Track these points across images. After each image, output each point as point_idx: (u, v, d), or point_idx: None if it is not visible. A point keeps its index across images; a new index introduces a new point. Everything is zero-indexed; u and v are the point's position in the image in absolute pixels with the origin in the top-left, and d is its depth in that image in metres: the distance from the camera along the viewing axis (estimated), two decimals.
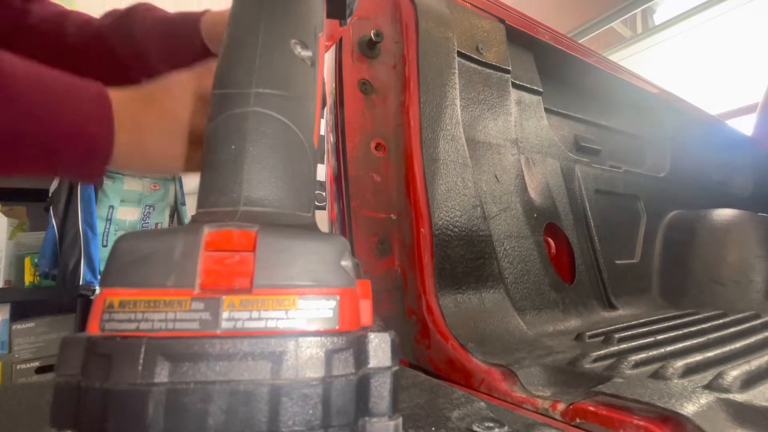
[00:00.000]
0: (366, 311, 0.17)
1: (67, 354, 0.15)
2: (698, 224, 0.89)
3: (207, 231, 0.15)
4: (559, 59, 0.82)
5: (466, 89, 0.63)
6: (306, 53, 0.21)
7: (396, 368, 0.16)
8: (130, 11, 0.49)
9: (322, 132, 0.60)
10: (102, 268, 1.18)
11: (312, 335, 0.14)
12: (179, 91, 0.34)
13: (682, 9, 2.65)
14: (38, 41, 0.49)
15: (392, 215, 0.56)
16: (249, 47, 0.20)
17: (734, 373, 0.35)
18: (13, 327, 1.17)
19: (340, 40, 0.57)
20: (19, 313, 1.21)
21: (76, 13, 0.52)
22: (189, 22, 0.46)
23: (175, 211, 1.45)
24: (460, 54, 0.61)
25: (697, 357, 0.41)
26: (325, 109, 0.58)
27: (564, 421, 0.34)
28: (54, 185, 1.21)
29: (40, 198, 1.27)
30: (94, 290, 1.15)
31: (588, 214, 0.75)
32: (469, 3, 0.68)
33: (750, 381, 0.36)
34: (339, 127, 0.61)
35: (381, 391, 0.16)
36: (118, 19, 0.49)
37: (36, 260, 1.20)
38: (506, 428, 0.28)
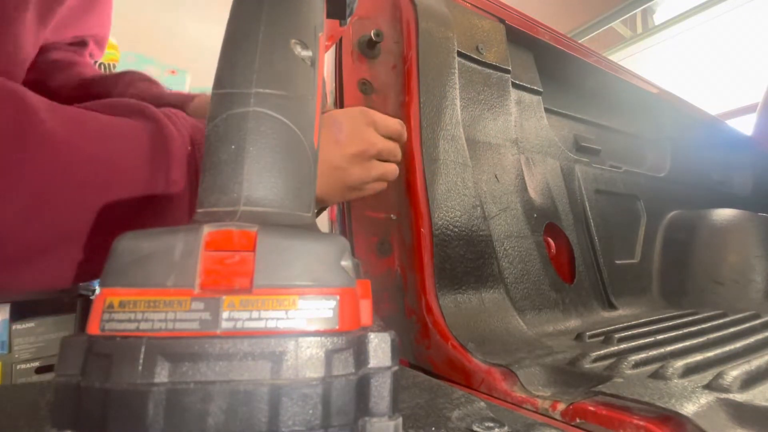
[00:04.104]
0: (366, 311, 0.17)
1: (67, 354, 0.15)
2: (698, 224, 0.89)
3: (207, 231, 0.15)
4: (559, 59, 0.82)
5: (466, 89, 0.63)
6: (306, 53, 0.21)
7: (396, 368, 0.16)
8: (121, 74, 0.47)
9: None
10: None
11: (312, 335, 0.14)
12: None
13: (682, 9, 2.65)
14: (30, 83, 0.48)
15: (392, 215, 0.56)
16: (249, 47, 0.20)
17: (734, 373, 0.35)
18: (13, 327, 1.16)
19: (340, 40, 0.57)
20: (19, 313, 1.20)
21: (81, 65, 0.49)
22: (178, 101, 0.45)
23: None
24: (460, 54, 0.61)
25: (697, 357, 0.41)
26: (325, 108, 0.58)
27: (564, 421, 0.34)
28: None
29: None
30: (94, 290, 1.15)
31: (588, 214, 0.75)
32: (469, 3, 0.68)
33: (750, 381, 0.36)
34: None
35: (381, 391, 0.16)
36: (106, 77, 0.47)
37: None
38: (506, 428, 0.28)
